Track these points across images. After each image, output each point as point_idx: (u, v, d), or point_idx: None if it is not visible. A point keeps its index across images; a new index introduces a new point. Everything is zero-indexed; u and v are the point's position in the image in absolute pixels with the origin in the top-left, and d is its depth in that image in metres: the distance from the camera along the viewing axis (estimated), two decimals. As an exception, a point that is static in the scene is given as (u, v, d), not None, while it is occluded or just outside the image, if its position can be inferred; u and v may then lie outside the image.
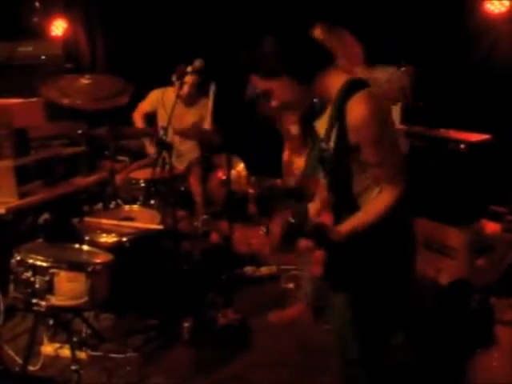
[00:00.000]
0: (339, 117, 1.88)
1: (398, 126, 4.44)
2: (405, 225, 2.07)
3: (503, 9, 4.59)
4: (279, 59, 1.91)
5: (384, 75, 3.25)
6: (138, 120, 4.80)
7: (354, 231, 1.94)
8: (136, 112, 4.82)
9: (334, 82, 1.93)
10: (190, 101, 4.71)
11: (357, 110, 1.84)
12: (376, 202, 1.96)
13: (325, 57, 1.97)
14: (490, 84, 4.43)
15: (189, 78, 4.40)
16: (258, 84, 2.01)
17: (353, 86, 1.89)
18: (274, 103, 2.01)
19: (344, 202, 2.03)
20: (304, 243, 2.02)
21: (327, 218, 2.05)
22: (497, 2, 4.60)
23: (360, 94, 1.85)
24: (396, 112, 4.55)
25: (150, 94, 4.81)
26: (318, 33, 3.00)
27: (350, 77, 1.94)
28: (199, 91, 4.70)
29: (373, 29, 4.73)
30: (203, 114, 4.73)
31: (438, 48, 4.50)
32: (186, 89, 4.52)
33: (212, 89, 4.55)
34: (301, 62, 1.92)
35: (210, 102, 4.66)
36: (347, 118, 1.86)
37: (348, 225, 1.97)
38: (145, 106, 4.81)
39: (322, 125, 2.02)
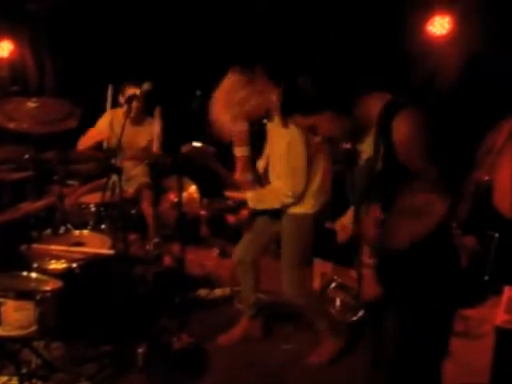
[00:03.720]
0: (386, 136, 1.98)
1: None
2: (450, 237, 2.18)
3: (444, 31, 4.75)
4: (321, 96, 2.02)
5: None
6: (83, 145, 4.67)
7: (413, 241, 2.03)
8: (83, 138, 4.69)
9: (374, 105, 2.04)
10: (139, 120, 4.69)
11: (403, 126, 1.95)
12: (430, 214, 2.04)
13: (363, 85, 2.11)
14: (432, 107, 4.55)
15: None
16: (301, 122, 2.11)
17: (395, 105, 2.00)
18: (318, 139, 2.14)
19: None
20: None
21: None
22: (438, 24, 4.76)
23: (403, 112, 1.97)
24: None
25: (99, 119, 4.75)
26: (234, 78, 3.10)
27: (390, 97, 2.05)
28: (147, 109, 4.69)
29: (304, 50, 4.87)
30: (153, 135, 4.72)
31: (381, 71, 4.62)
32: (133, 108, 4.50)
33: (157, 113, 4.59)
34: (342, 95, 2.05)
35: (156, 126, 4.67)
36: (394, 135, 1.96)
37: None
38: (94, 132, 4.71)
39: (366, 147, 2.11)
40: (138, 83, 3.69)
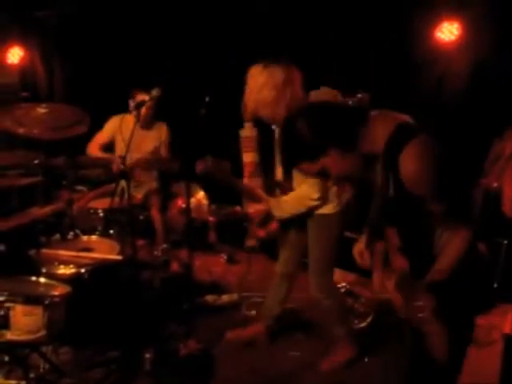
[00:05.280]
0: (393, 168, 1.86)
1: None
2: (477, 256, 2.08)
3: (453, 37, 4.74)
4: (321, 137, 1.91)
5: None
6: (94, 151, 4.73)
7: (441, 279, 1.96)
8: (92, 143, 4.74)
9: (380, 132, 1.92)
10: (148, 124, 4.71)
11: (410, 164, 1.82)
12: (451, 249, 1.97)
13: (359, 115, 1.96)
14: (441, 113, 4.55)
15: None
16: (310, 169, 1.99)
17: (403, 134, 1.87)
18: (333, 180, 2.06)
19: (414, 246, 2.05)
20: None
21: (401, 261, 2.07)
22: (447, 30, 4.75)
23: (411, 145, 1.83)
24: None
25: (107, 123, 4.78)
26: (255, 72, 3.06)
27: (397, 122, 1.92)
28: (156, 114, 4.71)
29: (321, 56, 4.87)
30: (162, 139, 4.75)
31: (388, 76, 4.62)
32: (143, 111, 4.52)
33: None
34: (341, 131, 1.91)
35: (165, 130, 4.71)
36: (401, 170, 1.84)
37: (435, 275, 1.97)
38: (102, 136, 4.76)
39: (377, 176, 2.02)
40: (147, 89, 3.71)
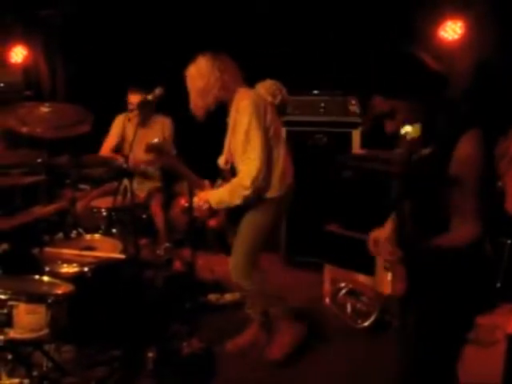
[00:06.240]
0: (448, 147, 1.96)
1: (358, 150, 4.53)
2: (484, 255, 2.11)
3: (456, 36, 4.73)
4: (411, 80, 2.01)
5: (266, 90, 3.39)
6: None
7: (438, 249, 1.99)
8: (102, 149, 4.74)
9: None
10: (149, 120, 4.70)
11: (470, 147, 1.94)
12: (457, 234, 2.00)
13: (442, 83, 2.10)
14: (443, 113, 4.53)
15: None
16: (382, 104, 2.04)
17: (465, 120, 2.02)
18: (392, 126, 2.05)
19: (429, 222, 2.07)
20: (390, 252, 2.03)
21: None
22: (450, 29, 4.74)
23: (474, 130, 1.96)
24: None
25: (112, 125, 4.79)
26: (204, 61, 3.24)
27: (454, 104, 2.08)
28: (156, 110, 4.72)
29: (321, 56, 4.87)
30: (165, 135, 4.73)
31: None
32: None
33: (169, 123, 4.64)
34: (429, 85, 2.03)
35: (168, 126, 4.70)
36: (458, 150, 1.94)
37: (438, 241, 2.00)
38: (111, 139, 4.76)
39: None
40: (147, 88, 3.70)
